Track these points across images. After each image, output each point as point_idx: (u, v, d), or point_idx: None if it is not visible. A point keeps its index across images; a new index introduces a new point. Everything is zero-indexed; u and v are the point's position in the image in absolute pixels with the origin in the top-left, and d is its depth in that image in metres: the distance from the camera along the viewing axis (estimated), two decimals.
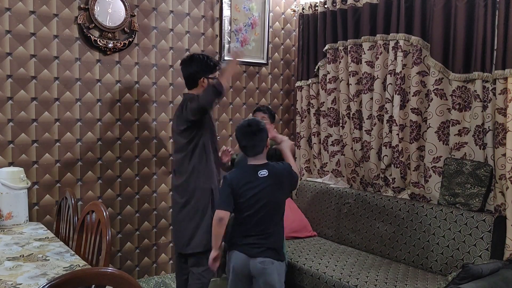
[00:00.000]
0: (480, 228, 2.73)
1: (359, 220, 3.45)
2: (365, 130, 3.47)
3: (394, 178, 3.29)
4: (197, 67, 2.77)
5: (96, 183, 3.18)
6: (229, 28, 3.69)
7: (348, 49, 3.57)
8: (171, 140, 3.48)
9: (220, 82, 2.63)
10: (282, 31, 4.08)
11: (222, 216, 2.35)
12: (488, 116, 2.75)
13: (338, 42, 3.66)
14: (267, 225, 2.41)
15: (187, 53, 3.50)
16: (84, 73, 3.09)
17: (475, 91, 2.83)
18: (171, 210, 3.52)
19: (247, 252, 2.40)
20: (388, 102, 3.28)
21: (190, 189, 2.76)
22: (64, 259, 2.03)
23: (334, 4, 3.67)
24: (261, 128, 2.41)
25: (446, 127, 3.02)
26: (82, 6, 3.03)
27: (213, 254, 2.40)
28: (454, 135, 2.96)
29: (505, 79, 2.64)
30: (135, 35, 3.24)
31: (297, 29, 4.09)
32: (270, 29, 3.98)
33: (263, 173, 2.41)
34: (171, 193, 3.51)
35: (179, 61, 3.47)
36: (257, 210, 2.39)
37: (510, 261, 2.58)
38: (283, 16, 4.07)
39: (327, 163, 3.90)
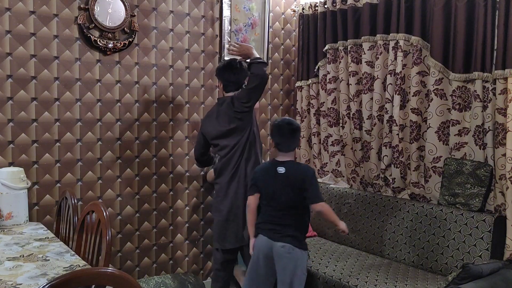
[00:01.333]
0: (480, 228, 2.73)
1: (359, 220, 3.45)
2: (365, 130, 3.48)
3: (394, 178, 3.29)
4: (246, 73, 2.98)
5: (96, 183, 3.18)
6: (229, 28, 3.69)
7: (348, 49, 3.57)
8: (171, 140, 3.48)
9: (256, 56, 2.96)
10: (282, 31, 4.08)
11: (248, 202, 2.63)
12: (488, 116, 2.75)
13: (338, 42, 3.66)
14: (285, 217, 2.56)
15: (187, 52, 3.51)
16: (84, 73, 3.09)
17: (475, 91, 2.83)
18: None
19: (271, 236, 2.56)
20: (388, 102, 3.28)
21: (241, 177, 2.89)
22: (64, 259, 2.03)
23: (334, 4, 3.67)
24: (297, 127, 2.62)
25: (446, 127, 3.03)
26: (82, 6, 3.02)
27: (252, 242, 2.63)
28: (454, 135, 2.96)
29: (505, 79, 2.64)
30: (135, 35, 3.24)
31: (297, 29, 4.09)
32: (270, 29, 3.98)
33: (281, 170, 2.55)
34: (171, 193, 3.51)
35: (178, 61, 3.48)
36: (275, 203, 2.56)
37: (510, 261, 2.58)
38: (283, 16, 4.07)
39: (327, 163, 3.90)
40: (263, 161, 3.04)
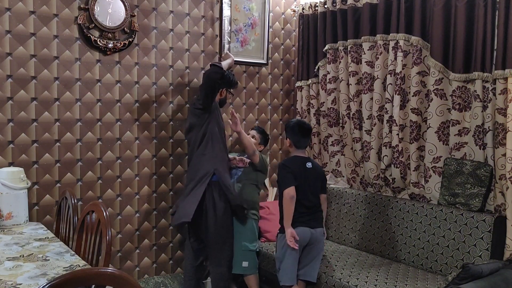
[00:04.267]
0: (480, 228, 2.73)
1: (359, 220, 3.45)
2: (365, 130, 3.47)
3: (394, 178, 3.29)
4: (227, 81, 3.22)
5: (96, 183, 3.18)
6: (229, 28, 3.69)
7: (348, 49, 3.57)
8: (171, 140, 3.48)
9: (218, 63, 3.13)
10: (282, 31, 4.08)
11: (292, 194, 2.79)
12: (488, 116, 2.75)
13: (338, 42, 3.66)
14: (316, 204, 2.93)
15: (187, 52, 3.51)
16: (84, 73, 3.09)
17: (475, 91, 2.83)
18: (170, 211, 3.52)
19: (310, 225, 2.86)
20: (388, 102, 3.28)
21: (194, 171, 3.08)
22: (64, 259, 2.03)
23: (334, 4, 3.67)
24: (311, 127, 3.09)
25: (446, 127, 3.03)
26: (82, 6, 3.02)
27: (290, 232, 2.78)
28: (454, 135, 2.96)
29: (505, 79, 2.64)
30: (135, 35, 3.24)
31: (297, 29, 4.09)
32: (270, 29, 3.98)
33: (309, 165, 2.93)
34: (171, 193, 3.51)
35: (178, 61, 3.49)
36: (310, 194, 2.89)
37: (510, 261, 2.58)
38: (283, 16, 4.07)
39: (327, 163, 3.90)
40: (236, 156, 3.33)
